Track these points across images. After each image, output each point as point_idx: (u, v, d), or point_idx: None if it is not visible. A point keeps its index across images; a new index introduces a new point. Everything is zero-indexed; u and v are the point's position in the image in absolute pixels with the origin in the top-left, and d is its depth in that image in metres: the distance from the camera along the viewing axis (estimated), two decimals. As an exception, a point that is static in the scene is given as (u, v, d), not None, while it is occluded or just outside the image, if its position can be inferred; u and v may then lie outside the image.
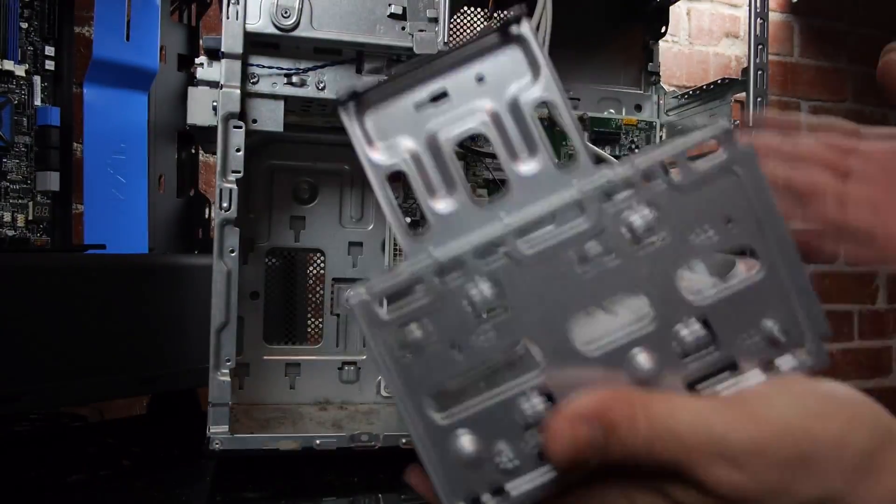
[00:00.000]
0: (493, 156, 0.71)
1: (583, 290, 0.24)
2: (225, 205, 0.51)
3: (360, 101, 0.26)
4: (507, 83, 0.26)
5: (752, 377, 0.25)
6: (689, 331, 0.24)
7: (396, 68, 0.38)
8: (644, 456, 0.23)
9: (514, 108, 0.26)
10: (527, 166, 0.26)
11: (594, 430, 0.23)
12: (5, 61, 0.71)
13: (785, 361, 0.25)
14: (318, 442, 0.54)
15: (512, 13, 0.25)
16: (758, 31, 0.65)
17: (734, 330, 0.25)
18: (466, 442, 0.23)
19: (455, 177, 0.26)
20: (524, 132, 0.26)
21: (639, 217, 0.24)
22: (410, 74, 0.26)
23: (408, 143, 0.26)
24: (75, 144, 0.83)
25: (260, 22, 0.50)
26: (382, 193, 0.25)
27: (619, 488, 0.24)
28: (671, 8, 0.81)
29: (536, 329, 0.24)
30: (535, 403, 0.24)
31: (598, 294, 0.24)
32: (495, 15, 0.73)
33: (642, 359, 0.24)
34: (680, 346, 0.24)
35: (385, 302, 0.24)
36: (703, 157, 0.24)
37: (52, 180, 0.76)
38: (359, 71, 0.54)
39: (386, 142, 0.26)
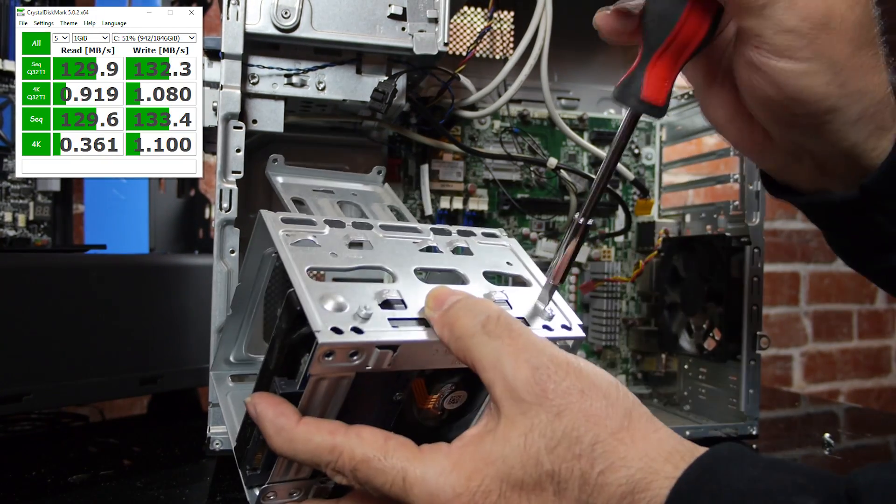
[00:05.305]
0: (493, 156, 0.71)
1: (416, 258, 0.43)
2: (225, 205, 0.51)
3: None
4: None
5: None
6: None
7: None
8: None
9: None
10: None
11: None
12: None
13: None
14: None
15: None
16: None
17: None
18: (340, 299, 0.36)
19: None
20: None
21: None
22: None
23: None
24: (75, 144, 0.83)
25: (260, 23, 0.50)
26: None
27: None
28: (671, 8, 0.81)
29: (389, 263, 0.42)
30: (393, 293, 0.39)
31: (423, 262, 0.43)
32: (495, 15, 0.73)
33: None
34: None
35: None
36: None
37: (52, 180, 0.76)
38: (359, 72, 0.54)
39: None
